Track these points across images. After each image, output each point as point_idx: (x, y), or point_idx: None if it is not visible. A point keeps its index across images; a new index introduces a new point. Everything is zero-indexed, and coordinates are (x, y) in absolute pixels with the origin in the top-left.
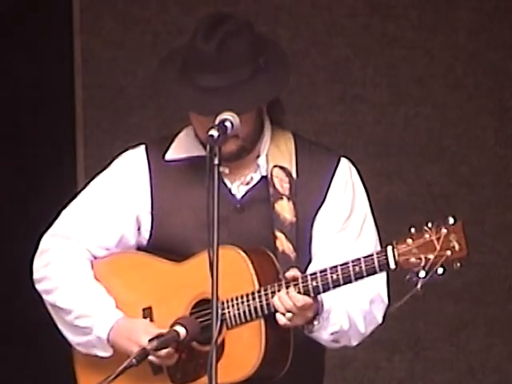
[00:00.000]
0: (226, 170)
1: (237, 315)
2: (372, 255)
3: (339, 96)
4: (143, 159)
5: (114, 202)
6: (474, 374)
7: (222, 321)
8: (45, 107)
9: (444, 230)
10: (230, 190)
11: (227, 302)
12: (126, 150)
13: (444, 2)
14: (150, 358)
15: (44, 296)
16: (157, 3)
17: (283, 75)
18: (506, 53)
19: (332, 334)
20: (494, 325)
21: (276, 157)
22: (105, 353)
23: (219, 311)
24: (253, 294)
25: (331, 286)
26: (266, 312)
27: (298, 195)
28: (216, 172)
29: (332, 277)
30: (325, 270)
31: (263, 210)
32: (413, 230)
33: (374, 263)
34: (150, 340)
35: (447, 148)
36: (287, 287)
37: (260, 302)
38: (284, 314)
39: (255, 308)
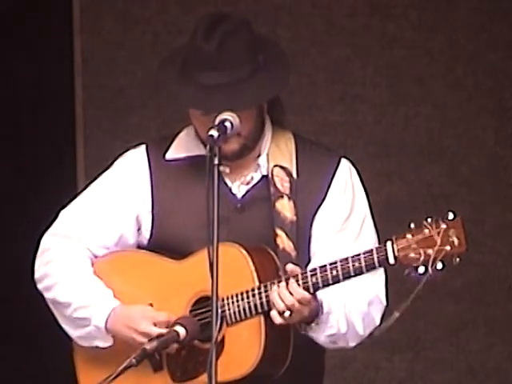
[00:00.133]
0: (227, 170)
1: (237, 312)
2: (371, 251)
3: (339, 96)
4: (144, 159)
5: (115, 201)
6: (474, 374)
7: (221, 318)
8: (45, 107)
9: (443, 226)
10: (230, 190)
11: (227, 298)
12: (127, 150)
13: (444, 2)
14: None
15: (45, 294)
16: (157, 3)
17: (283, 74)
18: (506, 53)
19: (329, 336)
20: (494, 325)
21: (276, 156)
22: (105, 343)
23: (219, 310)
24: (253, 290)
25: (331, 281)
26: (266, 309)
27: (299, 195)
28: (216, 172)
29: (332, 273)
30: (324, 266)
31: (264, 209)
32: (412, 225)
33: (373, 259)
34: (149, 340)
35: (447, 148)
36: (287, 284)
37: (260, 298)
38: (280, 313)
39: (255, 305)
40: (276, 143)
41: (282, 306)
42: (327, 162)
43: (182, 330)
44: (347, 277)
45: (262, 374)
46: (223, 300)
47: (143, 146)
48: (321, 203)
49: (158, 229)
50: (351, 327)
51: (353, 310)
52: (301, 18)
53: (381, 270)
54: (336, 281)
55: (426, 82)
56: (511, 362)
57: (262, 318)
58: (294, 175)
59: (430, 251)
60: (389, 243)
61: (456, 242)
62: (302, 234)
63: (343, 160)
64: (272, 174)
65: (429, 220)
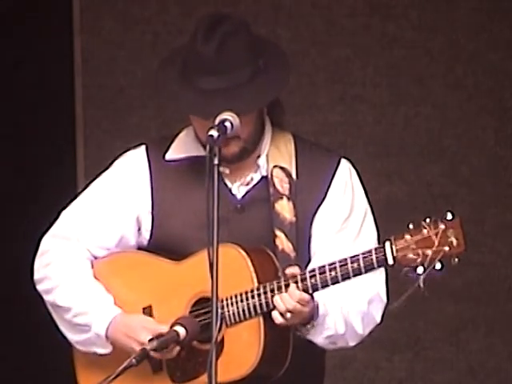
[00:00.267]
0: (227, 171)
1: (236, 313)
2: (370, 251)
3: (339, 96)
4: (144, 159)
5: (115, 202)
6: (474, 374)
7: (221, 319)
8: (45, 107)
9: (442, 226)
10: (230, 190)
11: (226, 299)
12: (127, 150)
13: (444, 2)
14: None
15: (44, 296)
16: (157, 3)
17: (283, 76)
18: (506, 53)
19: (327, 337)
20: (494, 325)
21: (276, 157)
22: (104, 350)
23: (219, 310)
24: (252, 291)
25: (330, 282)
26: (265, 310)
27: (298, 196)
28: (216, 172)
29: (330, 274)
30: (323, 267)
31: (263, 210)
32: (411, 225)
33: (372, 259)
34: (149, 340)
35: (447, 148)
36: (286, 285)
37: (259, 299)
38: (282, 314)
39: (254, 306)
40: (276, 144)
41: (283, 309)
42: (327, 162)
43: (181, 330)
44: (346, 278)
45: (262, 375)
46: (222, 301)
47: (143, 147)
48: (320, 203)
49: (157, 229)
50: (350, 327)
51: (352, 310)
52: (301, 18)
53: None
54: (335, 282)
55: (425, 81)
56: (511, 361)
57: (262, 319)
58: (294, 176)
59: (428, 252)
60: (387, 244)
61: (454, 242)
62: (301, 235)
63: (343, 160)
64: (271, 175)
65: (427, 220)
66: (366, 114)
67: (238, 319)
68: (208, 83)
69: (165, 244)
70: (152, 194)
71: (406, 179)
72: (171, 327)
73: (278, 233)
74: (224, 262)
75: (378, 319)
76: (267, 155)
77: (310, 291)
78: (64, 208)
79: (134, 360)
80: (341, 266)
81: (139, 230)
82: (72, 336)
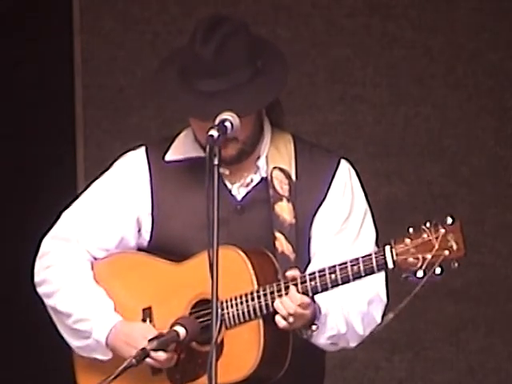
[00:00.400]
0: (227, 172)
1: (236, 315)
2: (370, 255)
3: (339, 96)
4: (143, 161)
5: (115, 203)
6: (473, 374)
7: (221, 321)
8: (45, 107)
9: (442, 230)
10: (230, 192)
11: (226, 302)
12: (127, 151)
13: (444, 2)
14: (150, 362)
15: (45, 300)
16: (157, 3)
17: (282, 76)
18: (506, 53)
19: (330, 337)
20: (494, 325)
21: (276, 159)
22: (104, 356)
23: (219, 311)
24: (252, 294)
25: (329, 286)
26: (265, 312)
27: (298, 197)
28: (216, 172)
29: (331, 277)
30: (323, 270)
31: (263, 211)
32: (411, 229)
33: (372, 263)
34: (149, 340)
35: (447, 148)
36: (286, 287)
37: (259, 302)
38: (285, 318)
39: (254, 308)
40: (275, 145)
41: (285, 313)
42: (326, 163)
43: (182, 330)
44: (346, 281)
45: (261, 377)
46: (222, 303)
47: (143, 148)
48: (320, 205)
49: (157, 230)
50: (351, 327)
51: (352, 311)
52: (301, 18)
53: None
54: (335, 285)
55: (425, 81)
56: (511, 361)
57: (261, 321)
58: (293, 177)
59: (428, 256)
60: (387, 248)
61: (454, 246)
62: (301, 237)
63: (342, 161)
64: (271, 177)
65: (427, 224)
66: (365, 114)
67: (237, 321)
68: (207, 85)
69: (165, 245)
70: (152, 195)
71: (406, 179)
72: (171, 327)
73: (278, 235)
74: (224, 264)
75: (379, 319)
76: (267, 156)
77: (310, 294)
78: (64, 209)
79: (133, 360)
80: (341, 270)
81: (139, 231)
82: (72, 341)
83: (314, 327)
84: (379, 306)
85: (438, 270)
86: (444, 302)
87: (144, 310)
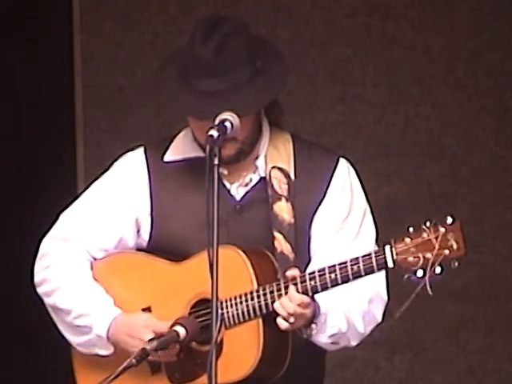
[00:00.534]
0: (225, 172)
1: (235, 315)
2: (370, 254)
3: (339, 96)
4: (142, 161)
5: (114, 204)
6: (473, 374)
7: (220, 320)
8: (45, 107)
9: (442, 229)
10: (229, 191)
11: (226, 301)
12: (126, 152)
13: (444, 2)
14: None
15: (45, 299)
16: (157, 3)
17: (281, 76)
18: (506, 53)
19: (330, 336)
20: (494, 325)
21: (274, 158)
22: (106, 351)
23: (219, 311)
24: (251, 293)
25: (329, 285)
26: (265, 311)
27: (297, 196)
28: (216, 172)
29: (330, 276)
30: (323, 270)
31: (262, 211)
32: (411, 229)
33: (372, 262)
34: (149, 340)
35: (447, 148)
36: (286, 287)
37: (258, 301)
38: (285, 319)
39: (253, 308)
40: (274, 145)
41: (285, 314)
42: (325, 162)
43: (182, 330)
44: (346, 280)
45: (261, 376)
46: (222, 303)
47: (141, 149)
48: (319, 204)
49: (157, 231)
50: (351, 326)
51: (352, 309)
52: (301, 18)
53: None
54: (334, 284)
55: (425, 81)
56: (511, 361)
57: (261, 321)
58: (292, 177)
59: (428, 255)
60: (387, 247)
61: (455, 246)
62: (300, 236)
63: (341, 160)
64: (270, 176)
65: (427, 224)
66: (365, 114)
67: (237, 321)
68: (206, 85)
69: (164, 245)
70: (151, 195)
71: (406, 179)
72: (171, 327)
73: (277, 234)
74: (223, 264)
75: (379, 318)
76: (265, 156)
77: (310, 294)
78: (64, 209)
79: (133, 360)
80: (341, 269)
81: (138, 231)
82: (73, 338)
83: (313, 326)
84: (380, 305)
85: (438, 270)
86: (444, 301)
87: (143, 309)
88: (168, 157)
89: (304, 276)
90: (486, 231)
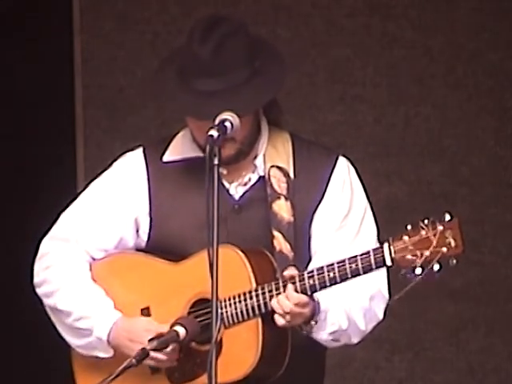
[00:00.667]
0: (224, 171)
1: (234, 314)
2: (368, 252)
3: (339, 96)
4: (141, 161)
5: (113, 204)
6: (473, 374)
7: (220, 320)
8: (45, 107)
9: (440, 227)
10: (227, 191)
11: (225, 301)
12: (125, 152)
13: (444, 1)
14: (151, 363)
15: (44, 300)
16: (157, 3)
17: (279, 76)
18: (506, 53)
19: (331, 333)
20: (494, 325)
21: (273, 157)
22: (105, 354)
23: (219, 311)
24: (250, 292)
25: (328, 284)
26: (264, 311)
27: (296, 195)
28: (216, 172)
29: (329, 275)
30: (321, 268)
31: (261, 210)
32: (409, 227)
33: (370, 261)
34: (149, 340)
35: (447, 148)
36: (284, 286)
37: (257, 300)
38: (283, 316)
39: (252, 307)
40: (273, 144)
41: (281, 312)
42: (324, 160)
43: (182, 330)
44: (344, 279)
45: (261, 375)
46: (221, 302)
47: (140, 149)
48: (319, 202)
49: (155, 231)
50: (352, 323)
51: (353, 306)
52: (301, 18)
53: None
54: (333, 283)
55: (425, 81)
56: (511, 361)
57: (260, 320)
58: (292, 175)
59: (426, 253)
60: (385, 245)
61: (453, 243)
62: (300, 235)
63: (340, 158)
64: (269, 175)
65: (425, 221)
66: (365, 114)
67: (236, 320)
68: (204, 85)
69: (163, 245)
70: (149, 195)
71: (406, 179)
72: (171, 327)
73: (276, 233)
74: (222, 264)
75: (381, 316)
76: (264, 155)
77: (309, 293)
78: (64, 209)
79: (133, 360)
80: (339, 267)
81: (137, 231)
82: (73, 340)
83: (312, 323)
84: (381, 302)
85: (436, 267)
86: (444, 301)
87: (142, 309)
88: (167, 157)
89: (302, 275)
90: (486, 231)
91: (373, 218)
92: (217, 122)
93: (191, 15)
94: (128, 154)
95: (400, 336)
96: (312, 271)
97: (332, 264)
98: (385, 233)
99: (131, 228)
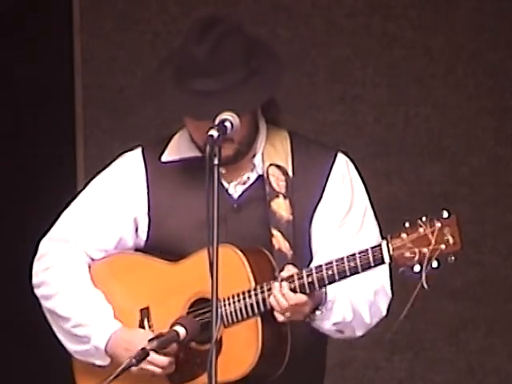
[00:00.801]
0: (223, 171)
1: (233, 313)
2: (367, 250)
3: (339, 96)
4: (140, 161)
5: (112, 204)
6: (473, 374)
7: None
8: (45, 107)
9: (438, 224)
10: (226, 190)
11: (224, 300)
12: (124, 152)
13: (444, 1)
14: (151, 368)
15: (43, 302)
16: (157, 3)
17: (276, 76)
18: (506, 53)
19: (335, 324)
20: (494, 325)
21: (272, 155)
22: (102, 362)
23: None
24: (249, 291)
25: (326, 281)
26: (263, 309)
27: (295, 193)
28: (216, 172)
29: (327, 272)
30: (320, 266)
31: (260, 209)
32: (407, 224)
33: (368, 258)
34: (149, 340)
35: (447, 148)
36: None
37: (256, 299)
38: (282, 313)
39: (251, 305)
40: (271, 142)
41: (279, 309)
42: (323, 158)
43: (182, 330)
44: (343, 276)
45: (260, 374)
46: (220, 301)
47: (139, 149)
48: (319, 200)
49: (154, 230)
50: (357, 316)
51: (359, 299)
52: (301, 18)
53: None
54: (331, 280)
55: (425, 81)
56: (511, 361)
57: (259, 318)
58: (290, 174)
59: (425, 250)
60: (384, 242)
61: (451, 240)
62: (299, 233)
63: (339, 155)
64: (267, 174)
65: (423, 219)
66: (365, 114)
67: (235, 319)
68: (202, 85)
69: (162, 245)
70: (148, 195)
71: (406, 179)
72: (171, 327)
73: (275, 232)
74: (221, 263)
75: (384, 311)
76: (263, 154)
77: (308, 291)
78: (64, 209)
79: (133, 360)
80: (337, 265)
81: (136, 231)
82: (70, 346)
83: (317, 312)
84: (385, 299)
85: (434, 264)
86: (444, 301)
87: (142, 310)
88: (165, 157)
89: (301, 273)
90: (486, 231)
91: (374, 215)
92: (217, 122)
93: (191, 15)
94: (127, 154)
95: (400, 336)
96: (310, 269)
97: (330, 262)
98: (385, 232)
99: (130, 228)
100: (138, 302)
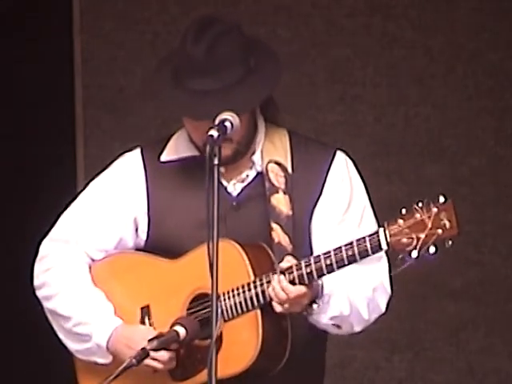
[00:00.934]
0: (222, 170)
1: (233, 307)
2: (364, 238)
3: (339, 96)
4: (139, 161)
5: (112, 204)
6: (473, 374)
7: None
8: (45, 107)
9: (434, 209)
10: (225, 189)
11: (223, 294)
12: (124, 152)
13: (444, 1)
14: (151, 363)
15: (44, 303)
16: (157, 3)
17: (274, 74)
18: (506, 53)
19: (332, 318)
20: (494, 325)
21: (271, 152)
22: (104, 360)
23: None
24: (248, 284)
25: (325, 271)
26: (262, 301)
27: (294, 190)
28: (216, 172)
29: (326, 262)
30: (318, 256)
31: (259, 206)
32: (403, 210)
33: (366, 245)
34: (149, 340)
35: (447, 148)
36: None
37: (256, 291)
38: (280, 304)
39: (251, 297)
40: (270, 140)
41: (278, 300)
42: (322, 155)
43: (182, 330)
44: (341, 265)
45: (261, 369)
46: (219, 296)
47: (138, 149)
48: (318, 197)
49: (154, 230)
50: (355, 311)
51: (357, 295)
52: (301, 18)
53: (384, 259)
54: (330, 270)
55: (426, 81)
56: (511, 361)
57: (259, 312)
58: (290, 170)
59: (421, 235)
60: (381, 229)
61: (447, 225)
62: (299, 229)
63: (338, 152)
64: (267, 170)
65: (420, 204)
66: (365, 114)
67: (235, 313)
68: (199, 84)
69: (161, 244)
70: (147, 195)
71: (406, 179)
72: (171, 327)
73: (274, 225)
74: (220, 258)
75: (383, 308)
76: (262, 151)
77: (306, 281)
78: (63, 210)
79: (134, 360)
80: (336, 254)
81: (137, 231)
82: (72, 345)
83: (314, 306)
84: (384, 295)
85: (432, 249)
86: (444, 301)
87: (142, 308)
88: (164, 157)
89: (299, 264)
90: (486, 231)
91: (373, 213)
92: (217, 121)
93: (191, 15)
94: (126, 154)
95: (400, 336)
96: (309, 259)
97: (328, 252)
98: None
99: (130, 228)
100: (139, 300)
